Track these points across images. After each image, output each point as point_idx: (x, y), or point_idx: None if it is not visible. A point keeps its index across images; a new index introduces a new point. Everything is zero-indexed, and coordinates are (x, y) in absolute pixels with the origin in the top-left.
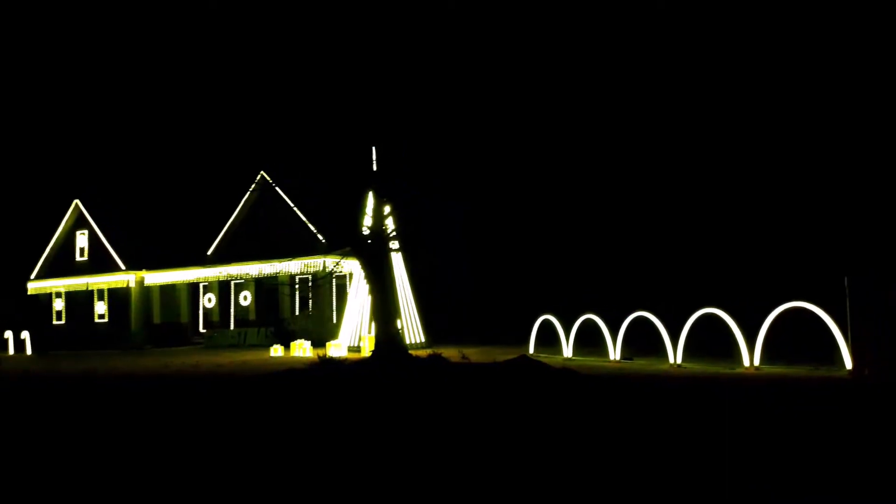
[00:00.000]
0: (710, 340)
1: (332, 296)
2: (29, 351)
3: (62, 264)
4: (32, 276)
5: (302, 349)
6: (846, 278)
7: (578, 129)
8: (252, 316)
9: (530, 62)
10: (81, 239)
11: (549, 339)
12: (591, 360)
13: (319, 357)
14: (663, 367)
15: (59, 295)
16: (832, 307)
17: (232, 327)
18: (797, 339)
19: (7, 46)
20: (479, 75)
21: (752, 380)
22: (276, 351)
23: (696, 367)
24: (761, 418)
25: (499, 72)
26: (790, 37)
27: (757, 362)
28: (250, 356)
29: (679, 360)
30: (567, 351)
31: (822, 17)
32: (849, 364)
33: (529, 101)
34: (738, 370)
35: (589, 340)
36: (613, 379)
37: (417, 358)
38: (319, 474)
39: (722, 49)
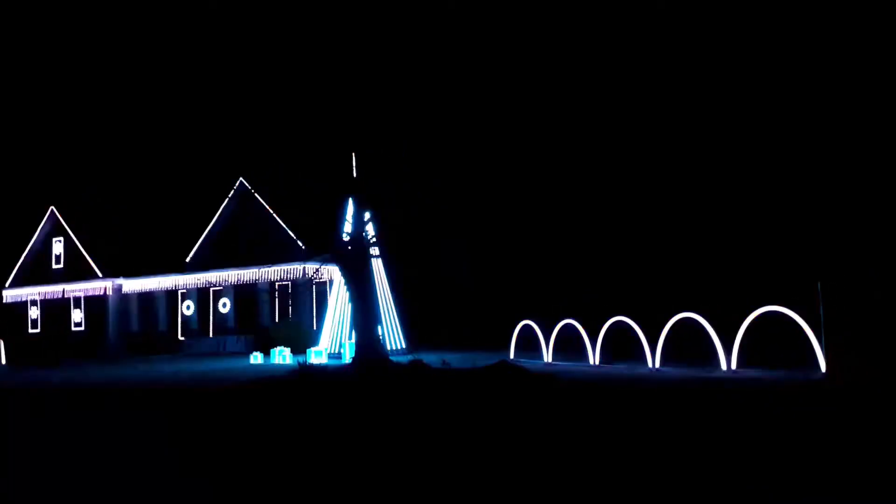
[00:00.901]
0: (688, 344)
1: (312, 302)
2: (3, 360)
3: (38, 272)
4: (7, 284)
5: (282, 356)
6: (819, 283)
7: (557, 136)
8: (231, 323)
9: (522, 62)
10: (57, 246)
11: (529, 344)
12: (570, 365)
13: (299, 364)
14: (642, 371)
15: (34, 303)
16: (808, 310)
17: (211, 335)
18: (774, 342)
19: None
20: (467, 76)
21: (729, 383)
22: (256, 358)
23: (675, 370)
24: (738, 420)
25: (488, 73)
26: (772, 39)
27: (734, 366)
28: (229, 364)
29: (657, 364)
30: (547, 356)
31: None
32: (823, 367)
33: (512, 100)
34: (716, 373)
35: (569, 345)
36: (593, 383)
37: (398, 364)
38: (299, 483)
39: (700, 52)
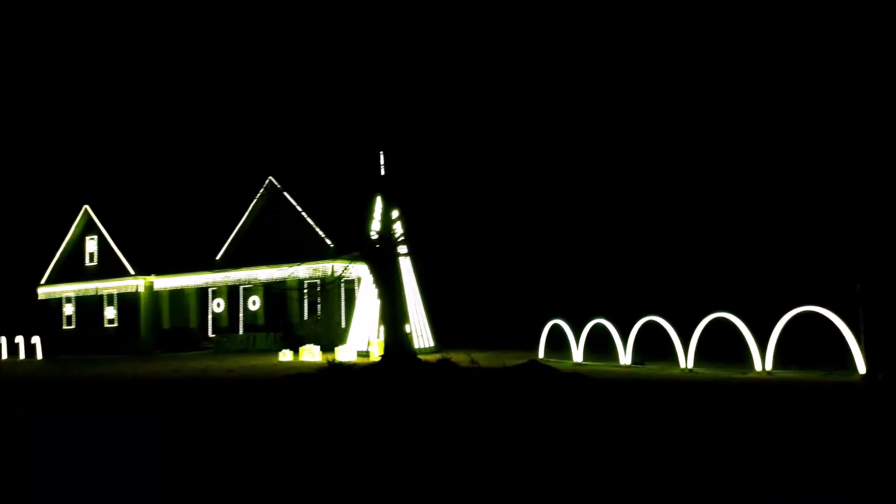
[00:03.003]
0: (722, 345)
1: (340, 300)
2: (39, 356)
3: (72, 269)
4: (42, 282)
5: (311, 354)
6: (858, 283)
7: (588, 131)
8: (261, 321)
9: (537, 62)
10: (91, 244)
11: (558, 343)
12: (601, 365)
13: (328, 362)
14: (674, 371)
15: (69, 300)
16: (846, 311)
17: (241, 332)
18: (810, 343)
19: (17, 53)
20: (485, 75)
21: (764, 384)
22: (285, 356)
23: (708, 371)
24: (772, 423)
25: (506, 72)
26: (807, 34)
27: (769, 367)
28: (259, 361)
29: (690, 365)
30: (577, 355)
31: (823, 17)
32: (862, 369)
33: (541, 101)
34: (750, 375)
35: (599, 345)
36: (623, 384)
37: (427, 363)
38: (328, 480)
39: (733, 43)
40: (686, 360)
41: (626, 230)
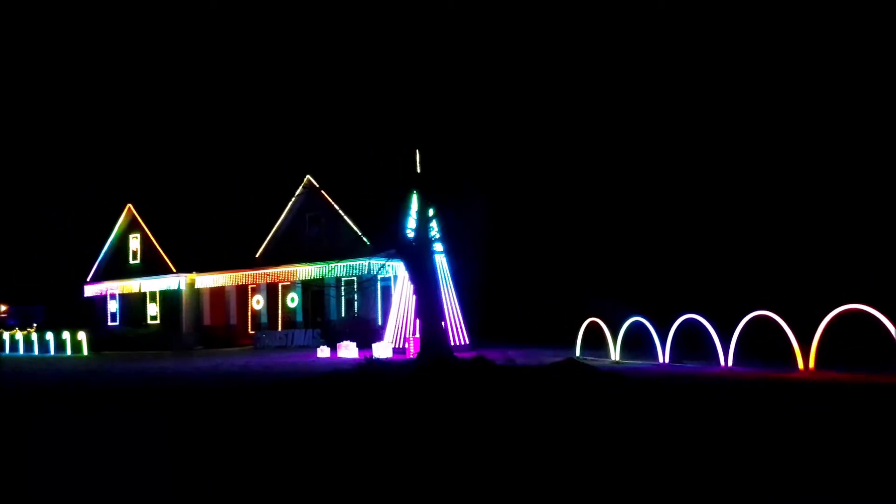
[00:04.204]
0: (763, 344)
1: (377, 297)
2: (86, 352)
3: (116, 267)
4: (88, 279)
5: (348, 350)
6: None
7: (625, 128)
8: (299, 317)
9: (575, 61)
10: (134, 242)
11: (595, 341)
12: (639, 364)
13: (365, 358)
14: (714, 370)
15: (113, 297)
16: (892, 309)
17: (280, 329)
18: (856, 342)
19: (62, 53)
20: (522, 72)
21: (807, 384)
22: (323, 352)
23: (748, 370)
24: (815, 425)
25: (544, 69)
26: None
27: (812, 366)
28: (297, 357)
29: (731, 364)
30: (614, 354)
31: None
32: None
33: (578, 98)
34: (792, 374)
35: (636, 343)
36: (662, 384)
37: (462, 360)
38: (365, 477)
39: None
40: (726, 358)
41: (666, 227)
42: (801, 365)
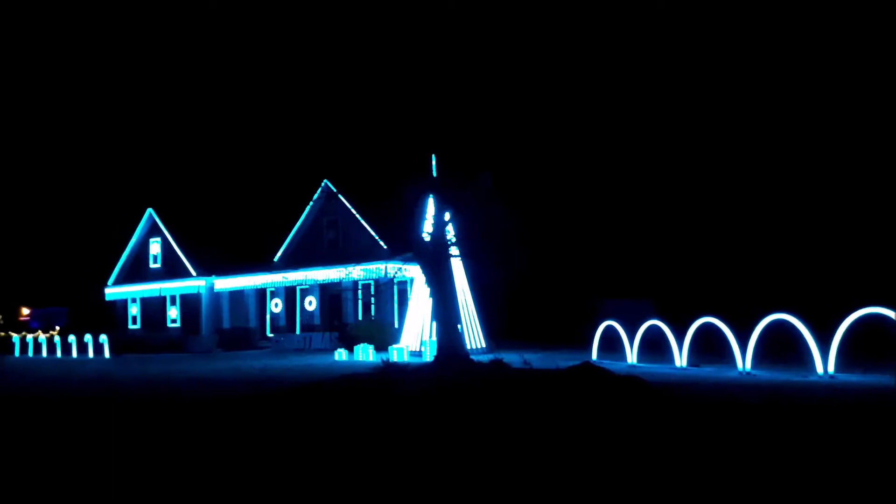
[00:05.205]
0: (781, 347)
1: (394, 300)
2: (107, 354)
3: (137, 271)
4: (110, 283)
5: (365, 354)
6: None
7: (629, 133)
8: (317, 320)
9: (598, 63)
10: (154, 246)
11: (611, 344)
12: (655, 367)
13: (383, 361)
14: (732, 374)
15: (134, 300)
16: None
17: (298, 332)
18: (876, 346)
19: (82, 60)
20: (537, 76)
21: (825, 389)
22: (340, 355)
23: (766, 374)
24: (834, 432)
25: (560, 72)
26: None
27: (831, 370)
28: (315, 360)
29: (748, 368)
30: (631, 357)
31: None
32: None
33: (588, 103)
34: (811, 378)
35: (653, 346)
36: (681, 387)
37: (479, 363)
38: (383, 482)
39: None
40: (744, 362)
41: (683, 230)
42: (819, 369)
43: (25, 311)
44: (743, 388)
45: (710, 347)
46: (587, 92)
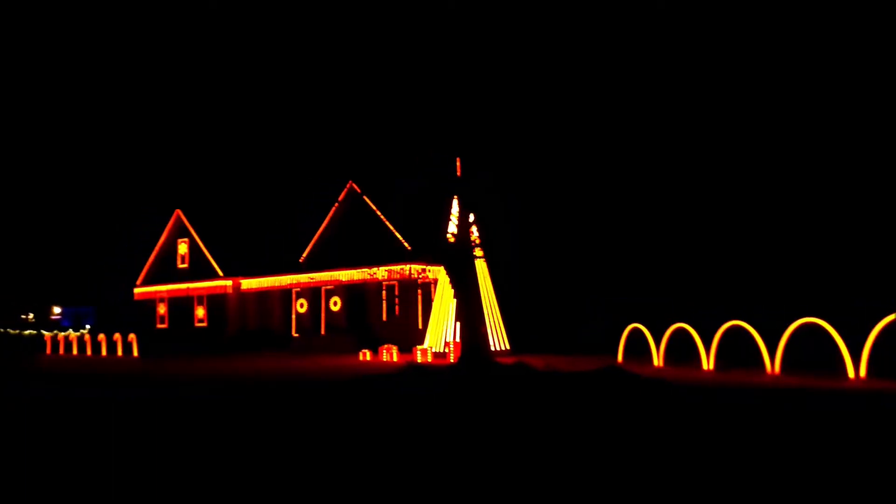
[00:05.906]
0: (812, 351)
1: (418, 302)
2: (136, 353)
3: (165, 271)
4: (138, 283)
5: (389, 354)
6: None
7: (653, 135)
8: (342, 321)
9: (618, 68)
10: (182, 247)
11: (637, 348)
12: (683, 371)
13: (407, 363)
14: (760, 378)
15: (162, 300)
16: None
17: (322, 332)
18: None
19: (110, 65)
20: (561, 79)
21: (857, 394)
22: (365, 356)
23: (796, 379)
24: (868, 438)
25: (583, 76)
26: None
27: (863, 374)
28: (339, 361)
29: (778, 371)
30: (657, 361)
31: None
32: None
33: (609, 108)
34: (842, 383)
35: (680, 350)
36: (708, 391)
37: (503, 366)
38: (407, 482)
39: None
40: (773, 366)
41: (710, 232)
42: (851, 373)
43: (57, 310)
44: (774, 394)
45: (739, 351)
46: (614, 96)
